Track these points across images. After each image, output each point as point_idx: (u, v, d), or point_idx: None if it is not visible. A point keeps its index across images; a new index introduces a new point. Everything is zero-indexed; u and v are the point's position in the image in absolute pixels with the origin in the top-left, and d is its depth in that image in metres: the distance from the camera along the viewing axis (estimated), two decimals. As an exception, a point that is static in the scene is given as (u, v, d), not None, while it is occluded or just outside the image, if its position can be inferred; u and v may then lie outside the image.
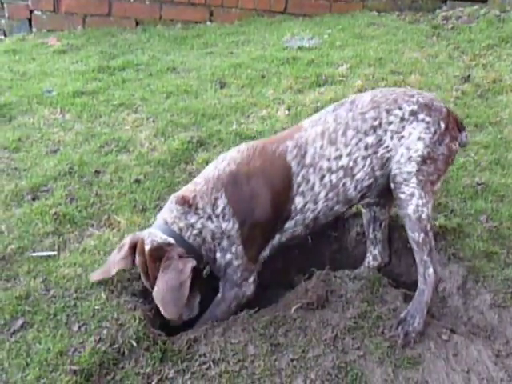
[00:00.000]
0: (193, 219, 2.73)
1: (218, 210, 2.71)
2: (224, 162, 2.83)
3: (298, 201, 2.77)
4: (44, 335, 2.63)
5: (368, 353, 2.59)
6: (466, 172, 3.90)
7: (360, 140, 2.76)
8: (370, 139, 2.76)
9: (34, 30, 7.19)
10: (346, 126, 2.79)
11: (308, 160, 2.77)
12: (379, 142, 2.77)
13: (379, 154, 2.78)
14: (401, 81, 5.26)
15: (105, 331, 2.64)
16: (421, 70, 5.62)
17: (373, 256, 3.22)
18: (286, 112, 4.75)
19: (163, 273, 2.58)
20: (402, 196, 2.75)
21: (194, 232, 2.73)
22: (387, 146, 2.78)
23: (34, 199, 3.57)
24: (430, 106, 2.84)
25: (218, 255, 2.79)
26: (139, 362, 2.54)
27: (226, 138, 4.30)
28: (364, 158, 2.76)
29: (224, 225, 2.71)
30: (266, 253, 2.90)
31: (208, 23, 7.64)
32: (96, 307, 2.76)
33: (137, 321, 2.66)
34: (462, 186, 3.74)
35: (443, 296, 3.02)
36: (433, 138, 2.78)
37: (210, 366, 2.51)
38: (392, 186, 2.80)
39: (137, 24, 7.47)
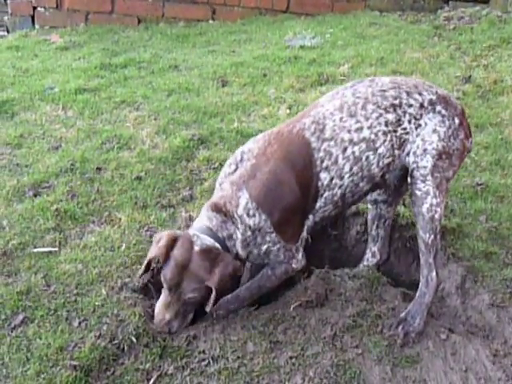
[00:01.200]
0: (232, 229, 2.69)
1: (241, 209, 2.65)
2: (243, 157, 2.79)
3: (324, 176, 2.71)
4: (44, 330, 2.64)
5: (366, 351, 2.60)
6: (466, 172, 3.91)
7: (380, 115, 2.74)
8: (391, 116, 2.75)
9: (36, 26, 7.20)
10: (366, 100, 2.77)
11: (328, 133, 2.72)
12: (398, 122, 2.76)
13: (398, 134, 2.76)
14: (402, 81, 5.26)
15: (105, 327, 2.66)
16: (422, 70, 5.63)
17: (372, 253, 3.23)
18: (288, 111, 4.76)
19: (212, 274, 2.58)
20: (418, 193, 2.75)
21: (232, 243, 2.71)
22: (405, 128, 2.77)
23: (35, 195, 3.58)
24: (447, 99, 2.86)
25: (255, 251, 2.75)
26: (139, 357, 2.55)
27: (227, 136, 4.31)
28: (385, 134, 2.73)
29: (251, 222, 2.66)
30: (303, 234, 2.84)
31: (210, 21, 7.65)
32: (96, 303, 2.78)
33: (137, 317, 2.68)
34: (461, 186, 3.75)
35: (442, 295, 3.03)
36: (447, 131, 2.79)
37: (209, 362, 2.52)
38: (409, 179, 2.80)
39: (139, 22, 7.47)
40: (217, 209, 2.70)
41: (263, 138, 2.82)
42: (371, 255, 3.23)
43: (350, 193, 2.79)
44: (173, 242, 2.66)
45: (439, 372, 2.54)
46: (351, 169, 2.72)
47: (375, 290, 2.91)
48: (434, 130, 2.77)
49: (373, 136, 2.72)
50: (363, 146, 2.72)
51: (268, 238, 2.70)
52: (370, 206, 3.19)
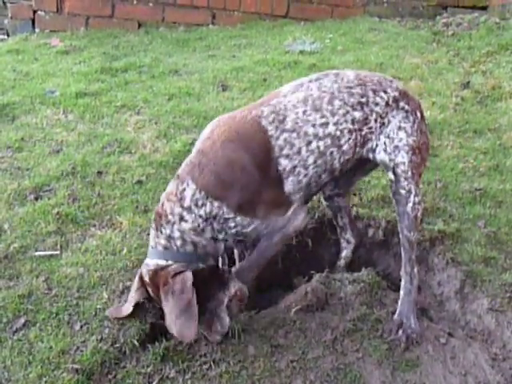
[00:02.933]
0: (168, 230, 2.51)
1: (187, 201, 2.50)
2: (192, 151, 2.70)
3: (285, 163, 2.62)
4: (46, 334, 2.66)
5: (367, 355, 2.62)
6: (464, 177, 3.93)
7: (347, 112, 2.71)
8: (357, 115, 2.72)
9: (36, 30, 7.20)
10: (332, 95, 2.72)
11: (289, 125, 2.64)
12: (365, 121, 2.74)
13: (363, 133, 2.75)
14: (401, 86, 5.30)
15: (106, 330, 2.67)
16: (421, 76, 5.66)
17: (346, 240, 3.26)
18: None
19: (165, 300, 2.43)
20: (403, 192, 2.77)
21: (178, 242, 2.51)
22: (371, 127, 2.75)
23: (36, 199, 3.59)
24: (407, 94, 2.87)
25: (221, 236, 2.60)
26: (140, 361, 2.57)
27: (227, 141, 4.32)
28: (350, 132, 2.70)
29: (202, 211, 2.50)
30: (294, 203, 2.70)
31: (210, 26, 7.68)
32: (98, 307, 2.79)
33: (138, 320, 2.69)
34: (460, 191, 3.77)
35: (441, 300, 3.05)
36: (413, 126, 2.80)
37: (210, 366, 2.54)
38: (392, 177, 2.80)
39: (139, 26, 7.49)
40: (154, 218, 2.58)
41: (214, 123, 2.71)
42: (346, 242, 3.26)
43: (315, 183, 2.74)
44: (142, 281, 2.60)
45: (439, 376, 2.57)
46: (315, 161, 2.67)
47: (375, 295, 2.93)
48: (400, 127, 2.78)
49: (338, 133, 2.69)
50: (328, 141, 2.67)
51: (232, 224, 2.55)
52: (325, 202, 3.22)
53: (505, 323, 2.84)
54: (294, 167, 2.64)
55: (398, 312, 2.77)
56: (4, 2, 7.22)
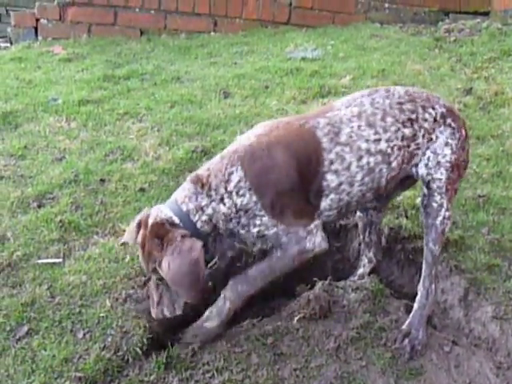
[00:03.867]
0: (204, 201, 2.56)
1: (231, 186, 2.53)
2: (243, 136, 2.73)
3: (331, 179, 2.64)
4: (49, 342, 2.65)
5: (370, 363, 2.61)
6: (467, 184, 3.92)
7: (398, 129, 2.72)
8: (407, 131, 2.74)
9: (39, 38, 7.25)
10: (384, 112, 2.74)
11: (343, 138, 2.66)
12: (413, 137, 2.75)
13: (411, 149, 2.76)
14: (403, 93, 5.29)
15: (109, 338, 2.67)
16: (423, 82, 5.66)
17: (368, 258, 3.24)
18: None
19: (172, 256, 2.43)
20: (435, 205, 2.78)
21: (204, 218, 2.56)
22: (418, 143, 2.77)
23: (39, 206, 3.60)
24: (453, 111, 2.90)
25: (242, 231, 2.62)
26: (143, 369, 2.56)
27: (229, 148, 4.32)
28: (400, 149, 2.72)
29: (239, 201, 2.53)
30: (316, 219, 2.71)
31: (212, 33, 7.71)
32: (101, 315, 2.79)
33: (141, 328, 2.69)
34: (463, 198, 3.76)
35: (445, 308, 3.04)
36: (458, 143, 2.81)
37: (213, 374, 2.53)
38: (426, 191, 2.81)
39: (141, 33, 7.53)
40: (194, 180, 2.60)
41: (270, 124, 2.75)
42: (368, 261, 3.25)
43: (356, 202, 2.75)
44: (140, 225, 2.63)
45: (443, 384, 2.55)
46: (363, 178, 2.68)
47: (378, 302, 2.92)
48: (447, 144, 2.79)
49: (389, 150, 2.70)
50: (379, 157, 2.69)
51: (258, 221, 2.57)
52: (359, 213, 3.19)
53: (509, 331, 2.82)
54: (340, 184, 2.66)
55: (407, 322, 2.76)
56: (7, 11, 7.26)
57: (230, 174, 2.55)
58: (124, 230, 3.37)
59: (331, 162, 2.63)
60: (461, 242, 3.33)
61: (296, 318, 2.79)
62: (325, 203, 2.68)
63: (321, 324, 2.78)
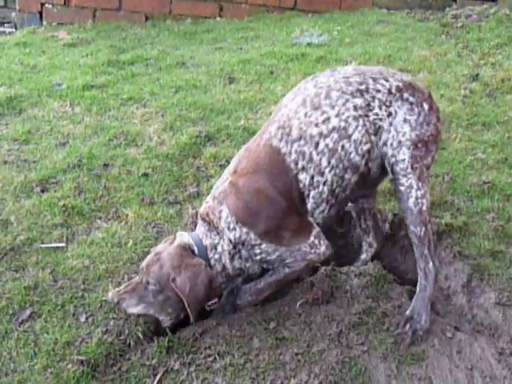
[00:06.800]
0: (216, 239, 2.71)
1: (223, 223, 2.67)
2: (223, 175, 2.84)
3: (303, 177, 2.66)
4: (52, 325, 2.67)
5: (372, 348, 2.61)
6: (473, 170, 3.90)
7: (347, 100, 2.68)
8: (358, 101, 2.69)
9: (44, 23, 7.21)
10: (329, 88, 2.72)
11: (295, 133, 2.67)
12: (368, 107, 2.70)
13: (371, 118, 2.70)
14: (409, 79, 5.26)
15: (111, 322, 2.68)
16: (429, 68, 5.62)
17: (368, 243, 3.23)
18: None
19: (194, 280, 2.57)
20: (402, 188, 2.74)
21: (216, 256, 2.71)
22: (377, 114, 2.71)
23: (43, 191, 3.61)
24: (413, 85, 2.83)
25: (248, 264, 2.75)
26: (145, 353, 2.58)
27: (234, 133, 4.31)
28: (355, 119, 2.67)
29: (231, 235, 2.66)
30: (314, 229, 2.77)
31: (218, 18, 7.65)
32: (103, 299, 2.81)
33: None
34: (468, 184, 3.74)
35: (448, 294, 3.03)
36: (418, 119, 2.75)
37: (215, 358, 2.55)
38: (391, 174, 2.79)
39: (146, 18, 7.48)
40: (203, 218, 2.75)
41: (238, 156, 2.84)
42: (368, 246, 3.24)
43: (339, 187, 2.73)
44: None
45: (445, 370, 2.55)
46: (329, 162, 2.67)
47: (381, 288, 2.92)
48: (405, 120, 2.74)
49: (343, 123, 2.66)
50: (335, 135, 2.66)
51: (258, 250, 2.68)
52: (350, 203, 3.16)
53: (512, 317, 2.82)
54: (312, 178, 2.67)
55: (410, 308, 2.74)
56: (12, -5, 7.23)
57: (220, 211, 2.69)
58: (127, 215, 3.39)
59: (295, 163, 2.67)
60: (465, 228, 3.31)
61: (298, 303, 2.81)
62: (310, 202, 2.72)
63: (323, 309, 2.79)
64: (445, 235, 3.26)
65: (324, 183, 2.69)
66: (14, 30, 7.36)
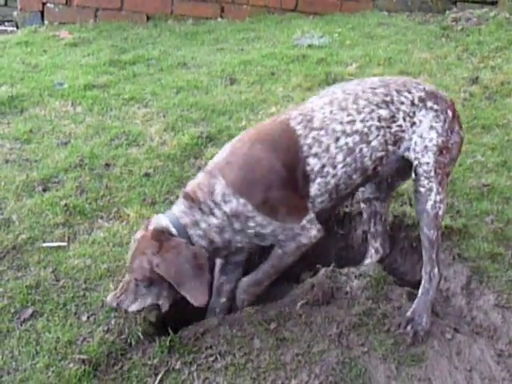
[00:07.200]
0: (198, 216, 2.62)
1: (218, 197, 2.58)
2: (221, 151, 2.78)
3: (314, 162, 2.65)
4: (53, 324, 2.68)
5: (372, 349, 2.62)
6: (472, 173, 3.92)
7: (373, 110, 2.74)
8: (383, 112, 2.75)
9: (45, 22, 7.23)
10: (356, 96, 2.77)
11: (317, 123, 2.68)
12: (392, 118, 2.76)
13: (393, 130, 2.76)
14: (410, 81, 5.28)
15: (113, 322, 2.69)
16: (429, 71, 5.64)
17: (375, 249, 3.25)
18: (295, 110, 4.77)
19: (177, 260, 2.50)
20: (422, 190, 2.77)
21: (198, 232, 2.62)
22: (400, 125, 2.77)
23: (44, 190, 3.61)
24: (435, 94, 2.88)
25: (238, 238, 2.67)
26: (146, 352, 2.58)
27: (235, 134, 4.28)
28: (378, 129, 2.72)
29: (227, 208, 2.58)
30: (309, 212, 2.73)
31: (219, 19, 7.67)
32: (105, 298, 2.80)
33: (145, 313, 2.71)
34: (468, 187, 3.76)
35: (447, 295, 3.04)
36: (444, 126, 2.80)
37: (216, 358, 2.55)
38: (413, 176, 2.81)
39: (148, 19, 7.50)
40: (185, 195, 2.67)
41: (244, 132, 2.82)
42: (374, 251, 3.25)
43: (344, 184, 2.75)
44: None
45: (444, 371, 2.56)
46: (344, 159, 2.69)
47: (381, 289, 2.93)
48: (431, 127, 2.78)
49: (366, 129, 2.71)
50: (356, 137, 2.70)
51: (252, 223, 2.62)
52: (363, 205, 3.21)
53: (511, 319, 2.83)
54: (323, 166, 2.67)
55: (412, 309, 2.76)
56: (13, -6, 7.24)
57: (214, 184, 2.60)
58: (128, 215, 3.40)
59: (310, 147, 2.66)
60: (464, 231, 3.33)
61: (299, 304, 2.81)
62: (313, 188, 2.70)
63: (323, 310, 2.80)
64: (444, 237, 3.27)
65: (333, 176, 2.70)
66: (15, 29, 7.37)
